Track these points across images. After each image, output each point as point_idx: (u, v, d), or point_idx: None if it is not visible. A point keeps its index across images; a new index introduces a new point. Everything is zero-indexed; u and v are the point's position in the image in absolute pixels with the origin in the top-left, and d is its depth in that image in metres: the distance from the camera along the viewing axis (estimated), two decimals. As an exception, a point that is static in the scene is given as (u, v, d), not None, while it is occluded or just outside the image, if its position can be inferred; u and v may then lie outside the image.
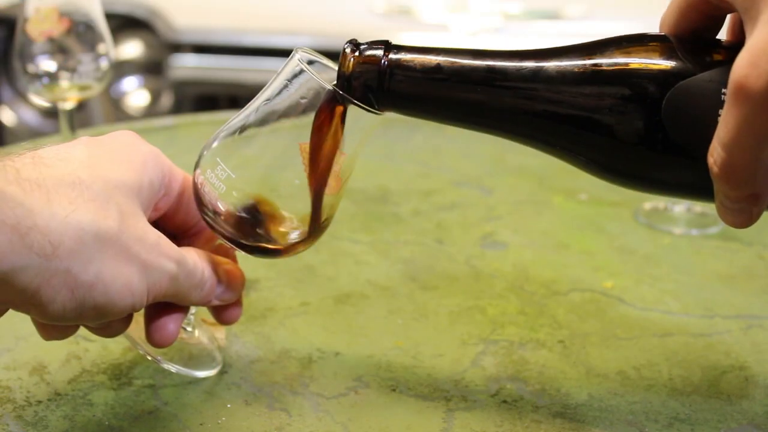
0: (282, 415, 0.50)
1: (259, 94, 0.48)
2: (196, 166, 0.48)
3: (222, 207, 0.47)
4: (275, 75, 0.47)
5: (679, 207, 0.82)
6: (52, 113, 2.17)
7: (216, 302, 0.50)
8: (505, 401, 0.52)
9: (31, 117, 2.29)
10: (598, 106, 0.43)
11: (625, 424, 0.50)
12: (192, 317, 0.54)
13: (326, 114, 0.46)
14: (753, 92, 0.37)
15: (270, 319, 0.60)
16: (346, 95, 0.45)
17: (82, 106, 1.03)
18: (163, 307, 0.48)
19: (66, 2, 0.81)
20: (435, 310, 0.63)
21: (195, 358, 0.54)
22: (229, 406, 0.50)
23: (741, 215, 0.42)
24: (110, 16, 0.97)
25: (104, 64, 0.84)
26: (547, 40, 1.93)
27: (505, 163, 0.96)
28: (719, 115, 0.40)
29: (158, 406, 0.50)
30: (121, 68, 2.22)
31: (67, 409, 0.50)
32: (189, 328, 0.55)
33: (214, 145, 0.48)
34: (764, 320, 0.62)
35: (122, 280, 0.42)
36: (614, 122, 0.43)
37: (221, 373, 0.53)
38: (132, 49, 2.28)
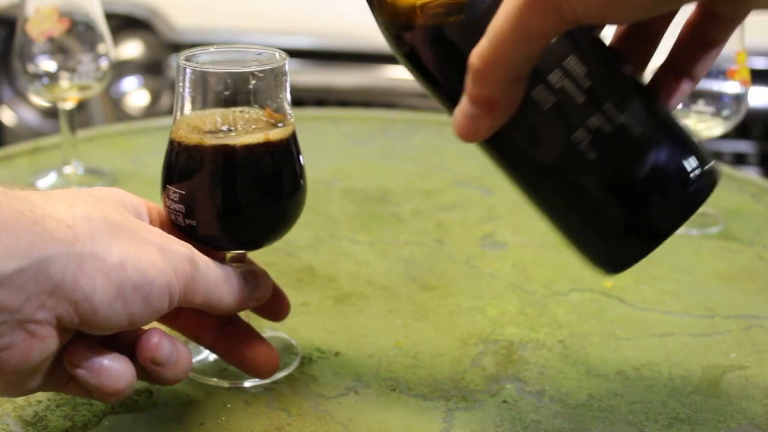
0: (282, 415, 0.50)
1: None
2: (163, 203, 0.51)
3: (193, 222, 0.49)
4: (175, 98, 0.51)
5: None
6: (52, 113, 2.17)
7: (252, 303, 0.50)
8: (505, 401, 0.52)
9: (31, 117, 2.29)
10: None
11: (625, 424, 0.50)
12: None
13: None
14: None
15: (270, 319, 0.60)
16: None
17: (82, 106, 1.03)
18: (241, 339, 0.50)
19: (66, 2, 0.81)
20: (435, 310, 0.63)
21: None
22: (229, 406, 0.50)
23: (471, 121, 0.40)
24: (110, 16, 0.97)
25: (104, 64, 0.84)
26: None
27: (505, 163, 0.96)
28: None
29: (158, 406, 0.50)
30: (121, 68, 2.22)
31: (67, 409, 0.50)
32: None
33: (163, 178, 0.50)
34: (764, 320, 0.62)
35: (147, 258, 0.42)
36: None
37: (221, 370, 0.53)
38: (132, 49, 2.28)
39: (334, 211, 0.81)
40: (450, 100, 0.43)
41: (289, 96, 0.51)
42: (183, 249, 0.45)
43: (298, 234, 0.75)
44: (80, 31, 0.82)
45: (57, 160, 0.89)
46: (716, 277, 0.70)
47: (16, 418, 0.49)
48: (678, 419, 0.50)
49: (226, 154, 0.48)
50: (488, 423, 0.49)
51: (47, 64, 0.82)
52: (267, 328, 0.58)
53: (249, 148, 0.48)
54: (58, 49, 0.82)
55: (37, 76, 0.82)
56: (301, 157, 0.51)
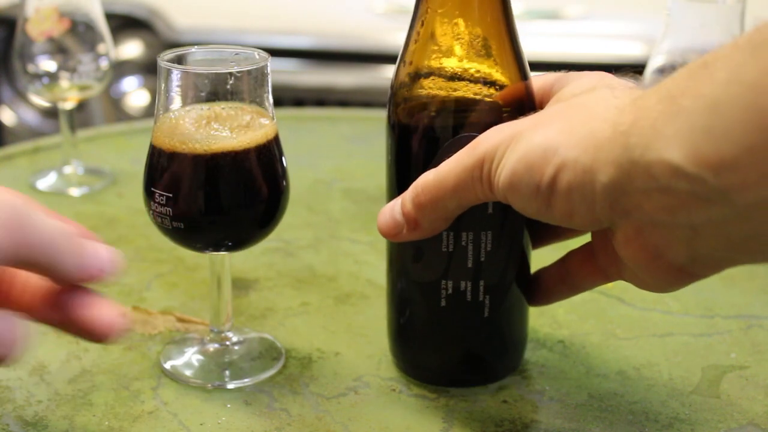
0: (282, 415, 0.50)
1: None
2: (146, 207, 0.50)
3: (180, 224, 0.49)
4: (157, 98, 0.50)
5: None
6: (52, 113, 2.17)
7: (97, 272, 0.40)
8: (505, 401, 0.52)
9: (31, 117, 2.29)
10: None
11: (625, 424, 0.50)
12: (229, 324, 0.55)
13: None
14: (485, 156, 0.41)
15: (270, 319, 0.60)
16: None
17: (82, 106, 1.03)
18: (77, 303, 0.40)
19: (66, 2, 0.81)
20: (435, 310, 0.63)
21: (256, 359, 0.55)
22: (229, 406, 0.50)
23: (393, 226, 0.46)
24: (110, 16, 0.97)
25: (104, 64, 0.84)
26: (548, 40, 1.93)
27: (505, 163, 0.96)
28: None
29: (158, 406, 0.50)
30: (121, 68, 2.22)
31: (67, 409, 0.50)
32: (231, 334, 0.55)
33: (147, 180, 0.50)
34: (764, 320, 0.62)
35: None
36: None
37: (222, 370, 0.53)
38: (132, 49, 2.28)
39: (334, 211, 0.81)
40: (398, 185, 0.49)
41: (271, 97, 0.51)
42: (6, 195, 0.37)
43: (298, 234, 0.75)
44: (80, 31, 0.82)
45: (57, 160, 0.89)
46: (716, 277, 0.69)
47: (16, 418, 0.49)
48: (678, 419, 0.50)
49: (211, 156, 0.48)
50: (488, 423, 0.49)
51: (47, 64, 0.82)
52: (250, 329, 0.58)
53: (234, 150, 0.48)
54: (58, 49, 0.82)
55: (37, 76, 0.83)
56: (283, 157, 0.52)
